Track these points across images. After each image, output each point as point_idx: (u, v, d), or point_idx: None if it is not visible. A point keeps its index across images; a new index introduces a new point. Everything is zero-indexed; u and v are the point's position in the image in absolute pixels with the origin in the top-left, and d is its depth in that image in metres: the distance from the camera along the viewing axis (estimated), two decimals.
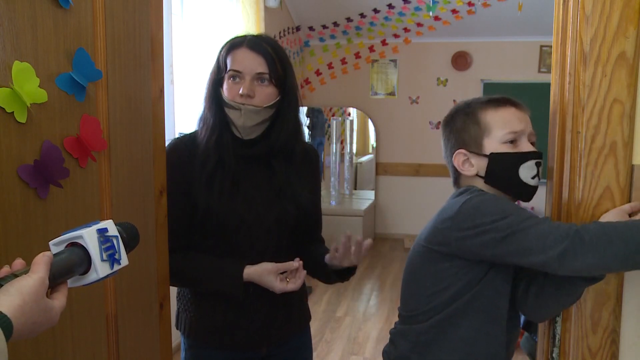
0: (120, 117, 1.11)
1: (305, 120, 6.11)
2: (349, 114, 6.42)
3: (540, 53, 5.71)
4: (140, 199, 1.20)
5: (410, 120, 6.13)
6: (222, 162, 1.40)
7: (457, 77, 5.97)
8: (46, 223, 0.92)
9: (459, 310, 1.20)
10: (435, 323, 1.23)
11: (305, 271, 1.41)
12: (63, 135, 0.96)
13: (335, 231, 5.90)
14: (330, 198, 6.11)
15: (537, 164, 1.22)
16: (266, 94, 1.38)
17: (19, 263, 0.72)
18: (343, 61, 6.20)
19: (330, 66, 6.23)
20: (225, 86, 1.40)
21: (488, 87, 5.85)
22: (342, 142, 6.33)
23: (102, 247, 0.79)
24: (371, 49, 6.13)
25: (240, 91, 1.36)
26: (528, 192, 1.22)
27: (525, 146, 1.23)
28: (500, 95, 1.28)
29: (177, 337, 1.55)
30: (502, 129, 1.23)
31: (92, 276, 0.78)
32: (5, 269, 0.71)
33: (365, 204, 6.05)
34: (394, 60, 6.11)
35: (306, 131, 6.08)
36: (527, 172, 1.21)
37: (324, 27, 5.95)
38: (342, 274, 1.47)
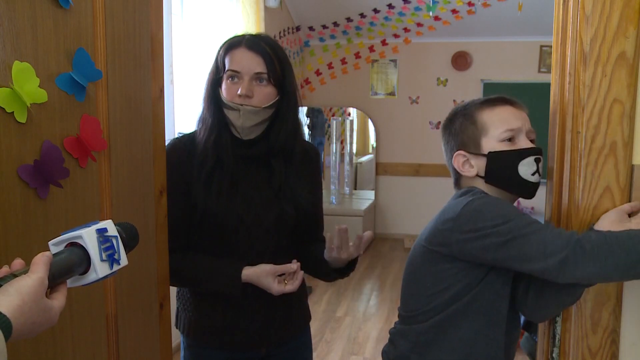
0: (120, 117, 1.11)
1: (305, 120, 6.11)
2: (349, 114, 6.42)
3: (540, 53, 5.71)
4: (140, 199, 1.20)
5: (410, 120, 6.13)
6: (221, 163, 1.40)
7: (457, 77, 5.97)
8: (46, 223, 0.92)
9: (459, 312, 1.20)
10: (435, 323, 1.23)
11: (302, 272, 1.41)
12: (63, 135, 0.96)
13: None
14: (330, 198, 6.10)
15: (537, 160, 1.22)
16: (265, 94, 1.37)
17: (18, 263, 0.72)
18: (343, 61, 6.20)
19: (330, 66, 6.23)
20: (223, 86, 1.39)
21: (488, 87, 5.85)
22: (342, 142, 6.33)
23: (102, 247, 0.79)
24: (371, 49, 6.13)
25: (239, 92, 1.36)
26: (529, 188, 1.22)
27: (524, 143, 1.23)
28: (496, 95, 1.28)
29: (177, 336, 1.55)
30: (498, 127, 1.23)
31: (91, 276, 0.78)
32: (5, 269, 0.71)
33: (365, 204, 6.05)
34: (394, 60, 6.11)
35: (306, 131, 6.08)
36: (526, 168, 1.21)
37: (324, 27, 5.95)
38: (341, 270, 1.46)
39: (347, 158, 6.36)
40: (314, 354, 1.68)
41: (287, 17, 5.61)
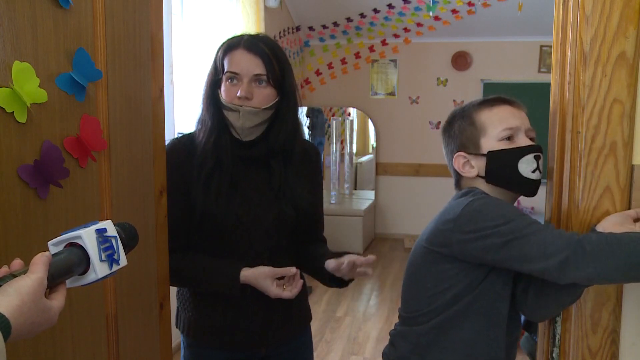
0: (120, 117, 1.11)
1: (305, 120, 6.11)
2: (349, 114, 6.42)
3: (540, 53, 5.71)
4: (140, 199, 1.20)
5: (410, 120, 6.13)
6: (220, 164, 1.40)
7: (457, 77, 5.97)
8: (46, 223, 0.92)
9: (460, 313, 1.20)
10: (435, 325, 1.23)
11: (302, 281, 1.41)
12: (63, 135, 0.96)
13: (335, 231, 5.92)
14: (330, 198, 6.10)
15: (537, 157, 1.22)
16: (264, 96, 1.37)
17: (17, 263, 0.72)
18: (343, 61, 6.20)
19: (330, 66, 6.23)
20: (223, 88, 1.39)
21: (488, 87, 5.85)
22: (342, 142, 6.32)
23: (101, 247, 0.79)
24: (371, 49, 6.13)
25: (238, 93, 1.35)
26: (530, 186, 1.22)
27: (523, 141, 1.23)
28: (494, 96, 1.28)
29: (177, 336, 1.55)
30: (497, 126, 1.23)
31: (90, 276, 0.78)
32: (4, 269, 0.71)
33: (365, 204, 6.05)
34: (394, 60, 6.11)
35: (306, 131, 6.08)
36: (526, 166, 1.21)
37: (324, 27, 5.95)
38: (341, 281, 1.46)
39: (347, 158, 6.36)
40: (314, 354, 1.68)
41: (287, 17, 5.61)
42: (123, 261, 0.83)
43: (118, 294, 1.12)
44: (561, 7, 1.22)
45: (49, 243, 0.78)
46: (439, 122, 5.99)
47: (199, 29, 3.70)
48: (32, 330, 0.68)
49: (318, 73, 6.26)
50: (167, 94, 3.03)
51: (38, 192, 0.90)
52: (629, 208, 1.12)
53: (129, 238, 0.87)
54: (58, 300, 0.73)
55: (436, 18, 5.60)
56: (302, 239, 1.54)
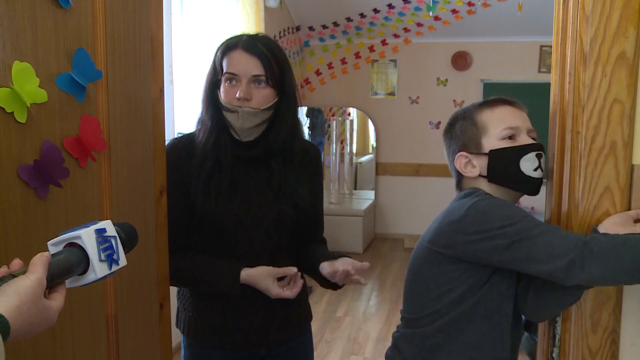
0: (120, 117, 1.11)
1: (305, 120, 6.11)
2: (349, 114, 6.42)
3: (540, 53, 5.71)
4: (140, 199, 1.20)
5: (410, 120, 6.13)
6: (220, 164, 1.40)
7: (457, 77, 5.97)
8: (46, 223, 0.92)
9: (465, 314, 1.19)
10: (440, 327, 1.22)
11: (302, 280, 1.41)
12: (63, 135, 0.96)
13: (335, 231, 5.92)
14: (330, 198, 6.10)
15: (538, 156, 1.22)
16: (263, 96, 1.37)
17: (16, 263, 0.72)
18: (343, 61, 6.20)
19: (330, 66, 6.23)
20: (222, 89, 1.39)
21: (488, 87, 5.85)
22: (342, 142, 6.32)
23: (101, 247, 0.78)
24: (371, 49, 6.13)
25: (237, 94, 1.35)
26: (533, 185, 1.22)
27: (524, 140, 1.23)
28: (495, 97, 1.29)
29: (177, 336, 1.55)
30: (498, 126, 1.23)
31: (90, 276, 0.78)
32: (3, 269, 0.71)
33: (365, 204, 6.05)
34: (394, 60, 6.11)
35: (306, 131, 6.08)
36: (528, 164, 1.21)
37: (324, 27, 5.95)
38: (335, 284, 1.46)
39: (347, 158, 6.36)
40: (314, 354, 1.68)
41: (287, 17, 5.61)
42: (123, 261, 0.83)
43: (118, 294, 1.12)
44: (561, 7, 1.22)
45: (49, 243, 0.78)
46: (439, 122, 5.99)
47: (199, 29, 3.70)
48: (31, 330, 0.68)
49: (318, 73, 6.26)
50: (167, 94, 3.03)
51: (38, 192, 0.90)
52: (629, 208, 1.12)
53: (129, 238, 0.87)
54: (57, 300, 0.73)
55: (436, 18, 5.60)
56: (301, 239, 1.54)
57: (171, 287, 1.36)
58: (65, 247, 0.78)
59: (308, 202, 1.48)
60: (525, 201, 5.45)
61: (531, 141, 1.23)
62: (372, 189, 6.38)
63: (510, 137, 1.22)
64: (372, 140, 6.46)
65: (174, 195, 1.36)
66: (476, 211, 1.14)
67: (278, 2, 4.65)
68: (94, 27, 1.03)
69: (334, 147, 6.25)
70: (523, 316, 1.29)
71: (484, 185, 1.25)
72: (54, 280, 0.73)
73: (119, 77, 1.10)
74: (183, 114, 3.49)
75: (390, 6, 5.51)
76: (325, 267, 1.39)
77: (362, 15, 5.68)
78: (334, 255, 1.44)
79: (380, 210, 6.36)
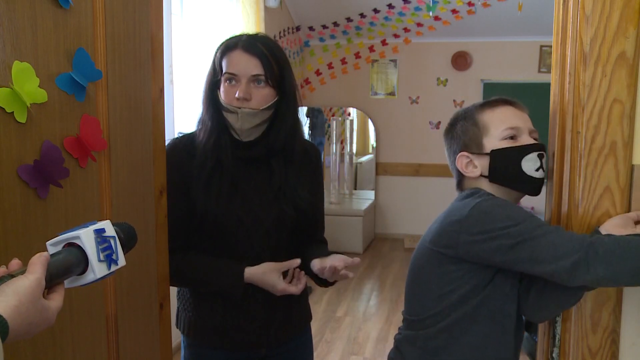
0: (120, 117, 1.11)
1: (305, 120, 6.11)
2: (349, 114, 6.42)
3: (540, 53, 5.71)
4: (140, 199, 1.20)
5: (410, 120, 6.13)
6: (221, 165, 1.40)
7: (457, 77, 5.97)
8: (46, 223, 0.92)
9: (468, 315, 1.19)
10: (443, 328, 1.21)
11: (305, 275, 1.41)
12: (63, 135, 0.96)
13: (335, 231, 5.92)
14: (330, 198, 6.11)
15: (540, 156, 1.21)
16: (263, 96, 1.37)
17: (15, 263, 0.72)
18: (343, 61, 6.20)
19: (330, 66, 6.23)
20: (221, 89, 1.39)
21: (488, 87, 5.85)
22: (342, 142, 6.33)
23: (100, 247, 0.78)
24: (371, 49, 6.13)
25: (237, 95, 1.35)
26: (534, 185, 1.22)
27: (526, 140, 1.22)
28: (496, 97, 1.28)
29: (177, 336, 1.55)
30: (499, 126, 1.23)
31: (89, 277, 0.78)
32: (2, 270, 0.71)
33: (365, 204, 6.05)
34: (394, 60, 6.11)
35: (306, 131, 6.08)
36: (530, 164, 1.20)
37: (324, 27, 5.95)
38: (326, 281, 1.46)
39: (347, 158, 6.37)
40: (314, 354, 1.68)
41: (287, 17, 5.61)
42: (121, 261, 0.83)
43: (118, 294, 1.12)
44: (561, 7, 1.22)
45: (48, 243, 0.78)
46: (439, 122, 5.99)
47: (199, 29, 3.70)
48: (30, 330, 0.68)
49: (318, 73, 6.26)
50: (167, 94, 3.03)
51: (38, 192, 0.90)
52: (629, 208, 1.13)
53: (128, 238, 0.87)
54: (56, 300, 0.73)
55: (436, 18, 5.60)
56: (302, 239, 1.53)
57: (171, 287, 1.36)
58: (64, 247, 0.78)
59: (308, 202, 1.48)
60: (525, 201, 5.44)
61: (533, 141, 1.23)
62: (372, 189, 6.38)
63: (512, 138, 1.22)
64: (372, 140, 6.46)
65: (175, 195, 1.36)
66: (479, 211, 1.13)
67: (278, 2, 4.65)
68: (94, 27, 1.03)
69: (334, 147, 6.25)
70: (523, 316, 1.29)
71: (485, 186, 1.25)
72: (52, 280, 0.72)
73: (119, 77, 1.10)
74: (183, 114, 3.49)
75: (390, 6, 5.51)
76: (316, 264, 1.39)
77: (362, 15, 5.68)
78: (327, 253, 1.43)
79: (380, 210, 6.36)
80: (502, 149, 1.22)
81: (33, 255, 0.71)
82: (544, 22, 4.83)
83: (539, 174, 1.21)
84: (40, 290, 0.69)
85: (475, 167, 1.25)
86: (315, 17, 5.79)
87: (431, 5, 5.28)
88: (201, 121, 1.44)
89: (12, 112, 0.84)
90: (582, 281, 1.02)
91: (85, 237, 0.77)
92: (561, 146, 1.20)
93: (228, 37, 1.44)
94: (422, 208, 6.01)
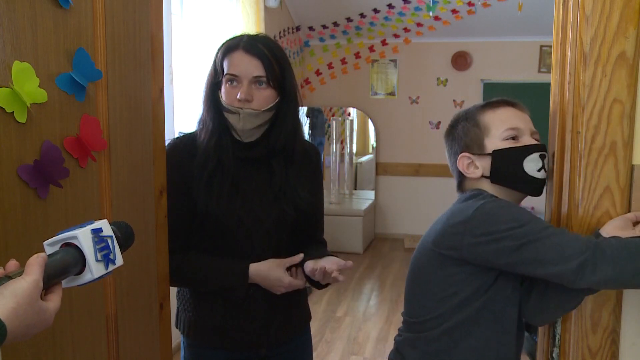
0: (120, 117, 1.11)
1: (305, 120, 6.11)
2: (349, 114, 6.42)
3: (540, 53, 5.71)
4: (140, 199, 1.20)
5: (410, 120, 6.13)
6: (222, 165, 1.40)
7: (457, 77, 5.97)
8: (46, 223, 0.92)
9: (470, 319, 1.19)
10: (445, 331, 1.21)
11: (303, 277, 1.41)
12: (63, 135, 0.96)
13: (335, 231, 5.92)
14: (330, 198, 6.11)
15: (542, 157, 1.21)
16: (264, 97, 1.37)
17: (12, 264, 0.72)
18: (343, 61, 6.20)
19: (330, 66, 6.23)
20: (223, 90, 1.39)
21: (488, 87, 5.86)
22: (342, 142, 6.33)
23: (97, 247, 0.78)
24: (371, 49, 6.13)
25: (238, 96, 1.35)
26: (536, 185, 1.22)
27: (528, 141, 1.22)
28: (498, 98, 1.28)
29: (177, 336, 1.55)
30: (500, 127, 1.23)
31: (86, 276, 0.78)
32: (0, 271, 0.71)
33: (365, 204, 6.05)
34: (394, 60, 6.11)
35: (306, 131, 6.08)
36: (532, 165, 1.20)
37: (324, 27, 5.95)
38: (318, 282, 1.45)
39: (347, 158, 6.37)
40: (314, 354, 1.68)
41: (287, 17, 5.61)
42: (119, 261, 0.82)
43: (118, 294, 1.12)
44: (561, 7, 1.22)
45: (45, 243, 0.78)
46: (439, 122, 5.99)
47: (199, 29, 3.70)
48: (28, 332, 0.68)
49: (318, 73, 6.26)
50: (167, 94, 3.03)
51: (38, 192, 0.90)
52: (629, 208, 1.12)
53: (125, 237, 0.86)
54: (54, 301, 0.73)
55: (436, 18, 5.60)
56: (301, 240, 1.53)
57: (171, 288, 1.36)
58: (61, 247, 0.77)
59: (308, 202, 1.48)
60: (525, 201, 5.43)
61: (534, 142, 1.23)
62: (372, 189, 6.38)
63: (513, 138, 1.22)
64: (372, 140, 6.46)
65: (175, 195, 1.36)
66: (483, 213, 1.13)
67: (278, 2, 4.65)
68: (94, 27, 1.03)
69: (334, 147, 6.25)
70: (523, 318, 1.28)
71: (487, 186, 1.24)
72: (50, 280, 0.72)
73: (119, 77, 1.10)
74: (183, 114, 3.49)
75: (390, 6, 5.51)
76: (308, 265, 1.39)
77: (362, 15, 5.68)
78: (323, 254, 1.43)
79: (380, 210, 6.36)
80: (504, 149, 1.21)
81: (33, 255, 0.71)
82: (544, 22, 4.83)
83: (541, 175, 1.21)
84: (38, 291, 0.69)
85: (477, 167, 1.25)
86: (315, 17, 5.79)
87: (431, 5, 5.28)
88: (202, 121, 1.44)
89: (12, 112, 0.84)
90: (587, 282, 1.02)
91: (83, 237, 0.77)
92: (561, 146, 1.20)
93: (229, 37, 1.44)
94: (422, 208, 6.01)
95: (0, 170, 0.83)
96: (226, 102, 1.38)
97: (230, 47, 1.39)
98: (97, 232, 0.79)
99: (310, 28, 5.99)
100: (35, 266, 0.69)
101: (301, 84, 6.17)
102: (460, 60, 5.92)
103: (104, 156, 1.07)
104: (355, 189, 6.54)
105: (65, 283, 0.77)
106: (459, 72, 5.95)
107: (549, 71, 5.28)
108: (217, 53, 1.42)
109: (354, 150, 6.54)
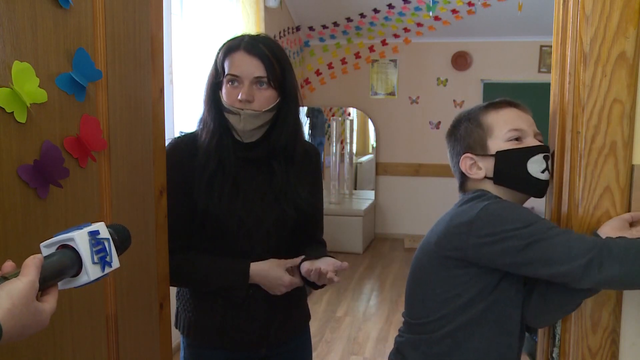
0: (120, 117, 1.11)
1: (305, 120, 6.11)
2: (349, 114, 6.42)
3: (540, 53, 5.71)
4: (140, 199, 1.20)
5: (410, 120, 6.13)
6: (223, 166, 1.40)
7: (457, 77, 5.97)
8: (46, 223, 0.92)
9: (473, 321, 1.18)
10: (447, 333, 1.20)
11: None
12: (63, 135, 0.96)
13: (336, 231, 5.91)
14: (330, 198, 6.11)
15: (545, 158, 1.21)
16: (265, 98, 1.37)
17: (9, 265, 0.71)
18: (343, 61, 6.20)
19: (330, 66, 6.23)
20: (224, 90, 1.39)
21: (488, 87, 5.85)
22: (342, 142, 6.32)
23: (94, 249, 0.78)
24: (371, 49, 6.13)
25: (239, 96, 1.35)
26: (539, 187, 1.21)
27: (531, 142, 1.22)
28: (500, 99, 1.28)
29: (177, 336, 1.55)
30: (503, 127, 1.22)
31: (82, 279, 0.78)
32: None
33: (365, 204, 6.05)
34: (394, 60, 6.11)
35: (306, 131, 6.08)
36: (535, 166, 1.20)
37: (324, 27, 5.95)
38: (314, 283, 1.44)
39: (347, 158, 6.37)
40: (314, 354, 1.68)
41: (287, 17, 5.61)
42: (115, 263, 0.82)
43: (118, 294, 1.12)
44: (561, 7, 1.22)
45: (42, 245, 0.78)
46: (439, 122, 5.99)
47: (199, 29, 3.70)
48: (24, 333, 0.68)
49: (318, 73, 6.26)
50: (167, 94, 3.03)
51: (38, 192, 0.90)
52: (629, 208, 1.13)
53: (122, 240, 0.86)
54: (50, 302, 0.73)
55: (436, 18, 5.60)
56: (301, 240, 1.53)
57: (171, 288, 1.36)
58: (58, 248, 0.77)
59: (309, 202, 1.48)
60: (526, 201, 5.45)
61: (538, 143, 1.22)
62: (372, 189, 6.38)
63: (517, 139, 1.22)
64: (372, 140, 6.46)
65: (176, 195, 1.36)
66: (488, 214, 1.12)
67: (278, 2, 4.65)
68: (94, 27, 1.03)
69: (334, 147, 6.25)
70: None
71: (490, 187, 1.24)
72: (46, 282, 0.72)
73: (119, 77, 1.10)
74: (183, 114, 3.49)
75: (390, 6, 5.51)
76: (304, 266, 1.39)
77: (362, 15, 5.68)
78: (321, 255, 1.43)
79: (380, 210, 6.36)
80: (508, 150, 1.21)
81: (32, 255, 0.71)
82: (544, 22, 4.83)
83: (544, 176, 1.21)
84: (34, 293, 0.69)
85: (480, 168, 1.25)
86: (315, 17, 5.79)
87: (431, 5, 5.28)
88: (203, 121, 1.44)
89: (12, 112, 0.84)
90: (593, 281, 1.02)
91: (80, 239, 0.77)
92: (561, 146, 1.20)
93: (230, 37, 1.43)
94: (422, 208, 6.01)
95: (0, 170, 0.83)
96: (227, 103, 1.38)
97: (232, 48, 1.39)
98: (94, 234, 0.79)
99: (310, 28, 5.99)
100: (31, 267, 0.69)
101: (301, 84, 6.17)
102: (460, 60, 5.92)
103: (104, 156, 1.07)
104: (355, 189, 6.54)
105: (61, 285, 0.77)
106: (459, 72, 5.95)
107: (549, 71, 5.28)
108: (218, 53, 1.42)
109: (354, 150, 6.54)
